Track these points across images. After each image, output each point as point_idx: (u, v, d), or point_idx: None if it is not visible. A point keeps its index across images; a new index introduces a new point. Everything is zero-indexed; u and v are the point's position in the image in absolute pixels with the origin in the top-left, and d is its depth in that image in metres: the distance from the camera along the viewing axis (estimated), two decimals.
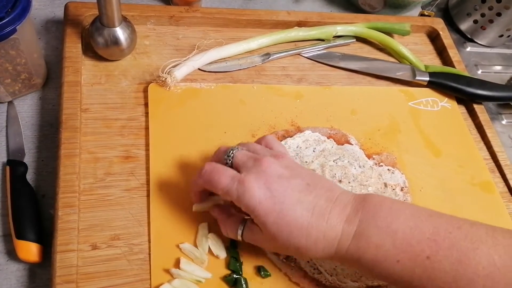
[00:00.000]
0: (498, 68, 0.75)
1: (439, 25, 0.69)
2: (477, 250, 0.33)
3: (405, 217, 0.35)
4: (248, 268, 0.42)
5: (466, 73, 0.64)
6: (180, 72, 0.51)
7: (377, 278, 0.37)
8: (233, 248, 0.43)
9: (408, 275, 0.34)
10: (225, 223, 0.41)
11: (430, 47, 0.69)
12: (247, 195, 0.36)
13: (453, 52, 0.67)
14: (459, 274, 0.33)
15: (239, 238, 0.40)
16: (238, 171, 0.38)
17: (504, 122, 0.68)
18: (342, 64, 0.61)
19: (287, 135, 0.51)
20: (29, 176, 0.46)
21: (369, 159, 0.51)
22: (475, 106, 0.62)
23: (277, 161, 0.38)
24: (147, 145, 0.47)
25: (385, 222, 0.34)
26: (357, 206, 0.36)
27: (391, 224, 0.34)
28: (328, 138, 0.52)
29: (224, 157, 0.39)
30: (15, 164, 0.45)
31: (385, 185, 0.49)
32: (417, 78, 0.61)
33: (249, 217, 0.39)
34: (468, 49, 0.76)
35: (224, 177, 0.37)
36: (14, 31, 0.42)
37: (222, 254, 0.42)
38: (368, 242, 0.34)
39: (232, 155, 0.39)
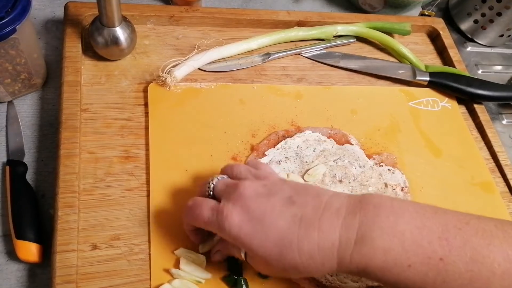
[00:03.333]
0: (498, 68, 0.75)
1: (440, 24, 0.69)
2: (490, 246, 0.31)
3: (410, 216, 0.32)
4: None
5: (466, 73, 0.64)
6: (180, 72, 0.51)
7: (386, 286, 0.34)
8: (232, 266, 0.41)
9: (421, 280, 0.31)
10: (228, 248, 0.39)
11: (430, 47, 0.69)
12: (227, 223, 0.34)
13: (453, 52, 0.66)
14: (475, 275, 0.30)
15: (243, 257, 0.37)
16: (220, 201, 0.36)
17: (504, 122, 0.68)
18: (342, 64, 0.61)
19: (287, 135, 0.51)
20: (29, 176, 0.46)
21: (369, 159, 0.51)
22: (475, 106, 0.62)
23: (257, 182, 0.36)
24: (147, 145, 0.47)
25: (388, 223, 0.31)
26: (353, 208, 0.33)
27: (396, 224, 0.31)
28: (328, 138, 0.52)
29: (206, 189, 0.38)
30: (15, 164, 0.45)
31: (386, 185, 0.49)
32: (417, 78, 0.61)
33: None
34: (469, 49, 0.76)
35: (205, 210, 0.36)
36: (14, 31, 0.42)
37: None
38: (374, 246, 0.31)
39: (212, 186, 0.38)
